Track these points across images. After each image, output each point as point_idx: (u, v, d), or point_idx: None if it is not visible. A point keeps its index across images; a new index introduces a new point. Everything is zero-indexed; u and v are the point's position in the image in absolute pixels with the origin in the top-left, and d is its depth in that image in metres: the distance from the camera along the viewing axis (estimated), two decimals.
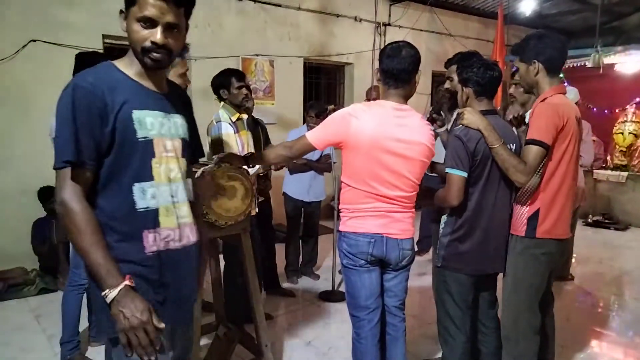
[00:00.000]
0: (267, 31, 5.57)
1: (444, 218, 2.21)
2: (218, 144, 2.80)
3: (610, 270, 4.64)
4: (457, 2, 7.26)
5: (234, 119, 2.93)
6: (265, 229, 3.44)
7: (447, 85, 2.72)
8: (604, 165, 6.77)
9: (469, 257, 2.13)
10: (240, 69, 4.73)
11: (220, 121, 2.86)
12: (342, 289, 3.45)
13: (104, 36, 4.39)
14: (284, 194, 4.03)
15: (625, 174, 6.46)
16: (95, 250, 1.22)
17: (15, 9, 3.95)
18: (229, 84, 2.95)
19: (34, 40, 4.02)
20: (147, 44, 1.28)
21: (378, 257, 1.98)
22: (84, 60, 2.58)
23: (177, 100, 1.47)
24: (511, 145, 2.08)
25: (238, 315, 2.88)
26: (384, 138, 1.87)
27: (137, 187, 1.31)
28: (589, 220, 6.42)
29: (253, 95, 3.08)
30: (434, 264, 2.70)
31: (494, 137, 2.00)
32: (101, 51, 4.19)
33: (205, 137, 2.95)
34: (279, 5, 5.60)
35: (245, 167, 2.19)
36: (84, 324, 2.81)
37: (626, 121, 6.70)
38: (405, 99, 1.98)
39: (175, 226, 1.39)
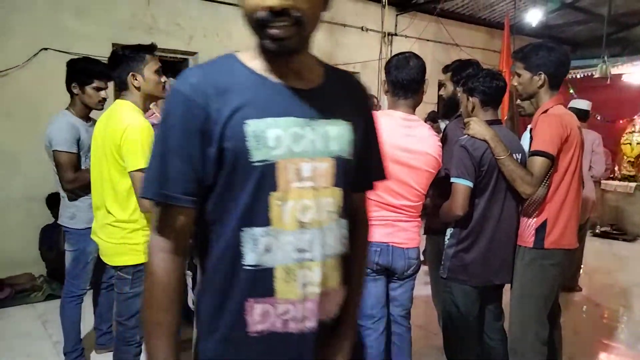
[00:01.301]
0: None
1: (449, 229, 2.20)
2: None
3: (618, 282, 4.59)
4: (463, 13, 7.29)
5: None
6: None
7: (440, 92, 2.74)
8: (612, 176, 6.72)
9: (475, 268, 2.12)
10: None
11: None
12: None
13: (114, 45, 4.44)
14: None
15: (633, 184, 6.41)
16: (157, 333, 0.91)
17: (26, 17, 4.01)
18: None
19: (45, 49, 4.07)
20: (262, 13, 0.83)
21: (384, 266, 1.97)
22: (75, 68, 2.56)
23: (338, 96, 1.00)
24: (517, 155, 2.08)
25: None
26: (391, 147, 1.87)
27: (246, 234, 0.90)
28: (597, 231, 6.37)
29: None
30: (432, 276, 2.69)
31: (500, 148, 1.99)
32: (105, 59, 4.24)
33: None
34: None
35: None
36: (87, 327, 2.81)
37: (634, 131, 6.66)
38: (414, 108, 2.00)
39: (299, 298, 0.93)
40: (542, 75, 2.07)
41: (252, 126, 0.87)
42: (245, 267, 0.91)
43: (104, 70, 2.47)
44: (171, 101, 0.90)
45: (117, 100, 2.05)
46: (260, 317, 0.92)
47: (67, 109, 2.59)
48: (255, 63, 0.93)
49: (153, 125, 2.98)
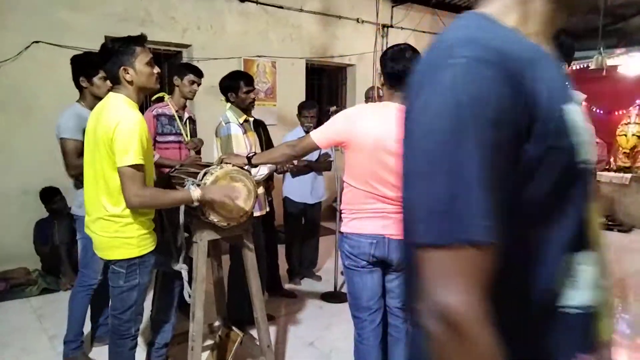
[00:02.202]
0: (269, 33, 5.57)
1: None
2: (228, 145, 2.83)
3: (613, 272, 4.62)
4: (459, 4, 7.26)
5: (240, 120, 2.98)
6: (268, 230, 3.44)
7: None
8: (607, 167, 6.74)
9: None
10: (242, 70, 4.74)
11: (229, 122, 2.89)
12: (344, 290, 3.45)
13: (106, 38, 4.40)
14: (286, 198, 3.99)
15: (628, 175, 6.43)
16: None
17: (18, 10, 3.97)
18: (238, 87, 3.00)
19: (37, 42, 4.03)
20: None
21: (380, 258, 1.97)
22: (80, 62, 2.61)
23: None
24: None
25: (240, 316, 2.87)
26: (388, 139, 1.87)
27: (568, 264, 0.65)
28: None
29: (254, 97, 3.15)
30: None
31: None
32: None
33: (213, 138, 2.97)
34: (281, 7, 5.60)
35: (248, 167, 2.20)
36: (87, 322, 2.81)
37: (629, 123, 6.68)
38: None
39: (610, 337, 0.73)
40: (566, 67, 2.03)
41: (570, 113, 0.63)
42: (567, 312, 0.65)
43: None
44: (477, 80, 0.56)
45: (110, 93, 2.00)
46: None
47: (77, 101, 2.67)
48: (515, 25, 0.67)
49: (164, 115, 2.99)
